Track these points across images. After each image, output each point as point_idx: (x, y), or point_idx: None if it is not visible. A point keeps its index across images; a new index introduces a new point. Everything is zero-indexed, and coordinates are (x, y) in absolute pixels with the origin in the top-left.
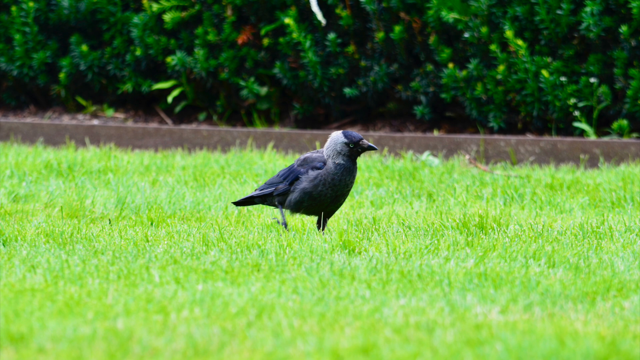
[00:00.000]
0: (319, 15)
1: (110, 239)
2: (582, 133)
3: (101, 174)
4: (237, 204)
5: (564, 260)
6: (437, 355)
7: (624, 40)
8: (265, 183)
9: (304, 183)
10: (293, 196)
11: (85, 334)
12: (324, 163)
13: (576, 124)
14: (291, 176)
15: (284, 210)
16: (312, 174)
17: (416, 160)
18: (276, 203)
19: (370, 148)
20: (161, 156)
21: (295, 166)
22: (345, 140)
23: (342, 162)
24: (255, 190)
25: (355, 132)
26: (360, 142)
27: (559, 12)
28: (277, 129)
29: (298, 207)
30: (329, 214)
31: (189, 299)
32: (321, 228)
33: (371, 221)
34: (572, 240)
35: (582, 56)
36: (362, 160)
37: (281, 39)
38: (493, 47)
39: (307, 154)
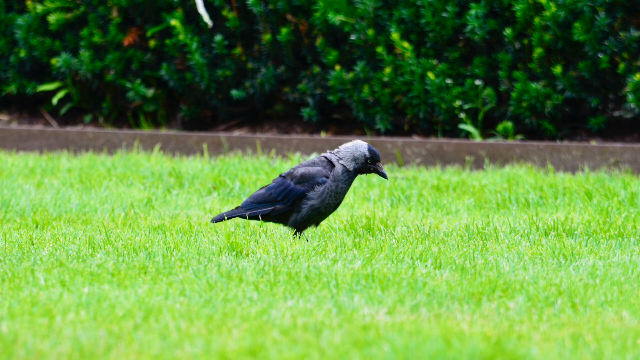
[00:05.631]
0: (206, 17)
1: None
2: (467, 135)
3: None
4: (217, 220)
5: (450, 261)
6: (324, 356)
7: (508, 43)
8: (251, 198)
9: (312, 201)
10: (300, 215)
11: None
12: (327, 177)
13: (462, 126)
14: (291, 195)
15: (288, 228)
16: (319, 189)
17: None
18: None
19: (382, 175)
20: (46, 158)
21: (292, 184)
22: (368, 154)
23: (350, 169)
24: (237, 208)
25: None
26: (378, 163)
27: (444, 14)
28: (164, 131)
29: (306, 225)
30: (317, 222)
31: (74, 302)
32: (298, 234)
33: (259, 223)
34: (458, 242)
35: (467, 59)
36: (249, 162)
37: (167, 41)
38: (379, 49)
39: (301, 169)
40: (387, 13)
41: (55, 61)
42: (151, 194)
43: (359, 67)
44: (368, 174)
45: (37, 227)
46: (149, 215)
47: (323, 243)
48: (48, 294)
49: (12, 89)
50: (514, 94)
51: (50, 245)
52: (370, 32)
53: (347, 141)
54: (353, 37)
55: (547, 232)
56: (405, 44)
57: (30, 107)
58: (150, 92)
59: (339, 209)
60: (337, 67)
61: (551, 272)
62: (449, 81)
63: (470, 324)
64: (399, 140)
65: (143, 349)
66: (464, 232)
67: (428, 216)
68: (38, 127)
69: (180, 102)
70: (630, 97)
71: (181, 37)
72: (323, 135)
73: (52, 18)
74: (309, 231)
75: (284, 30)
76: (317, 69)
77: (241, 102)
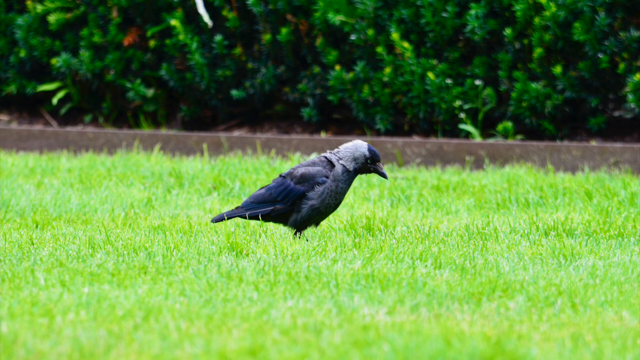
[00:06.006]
0: (206, 17)
1: None
2: (467, 135)
3: None
4: (217, 220)
5: (450, 261)
6: (324, 356)
7: (508, 43)
8: (251, 198)
9: (312, 201)
10: (300, 215)
11: None
12: (327, 177)
13: (462, 126)
14: (291, 195)
15: (288, 228)
16: (319, 189)
17: None
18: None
19: (382, 175)
20: (46, 158)
21: (292, 184)
22: (368, 154)
23: (351, 169)
24: (237, 208)
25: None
26: (378, 163)
27: (444, 14)
28: (164, 131)
29: (306, 225)
30: (317, 222)
31: (74, 302)
32: (298, 234)
33: (259, 223)
34: (458, 242)
35: (467, 59)
36: (249, 162)
37: (167, 41)
38: (379, 49)
39: (301, 169)
40: (387, 13)
41: (55, 61)
42: (151, 194)
43: (359, 67)
44: (368, 174)
45: (37, 227)
46: (149, 215)
47: (323, 243)
48: (48, 294)
49: (12, 89)
50: (514, 94)
51: (50, 245)
52: (370, 32)
53: (347, 141)
54: (353, 37)
55: (547, 232)
56: (405, 44)
57: (30, 107)
58: (150, 92)
59: (339, 209)
60: (337, 67)
61: (551, 272)
62: (449, 81)
63: (470, 324)
64: (399, 140)
65: (143, 349)
66: (464, 232)
67: (428, 216)
68: (38, 127)
69: (180, 102)
70: (630, 97)
71: (181, 37)
72: (323, 135)
73: (52, 18)
74: (309, 231)
75: (284, 30)
76: (317, 69)
77: (241, 102)
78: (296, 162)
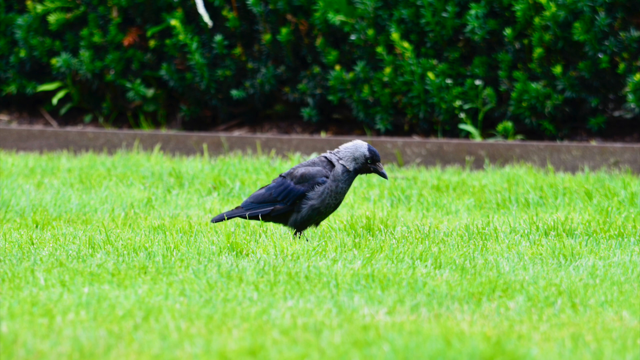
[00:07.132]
0: (206, 17)
1: None
2: (467, 135)
3: None
4: (216, 220)
5: (450, 261)
6: (324, 356)
7: (508, 43)
8: (251, 198)
9: (312, 201)
10: (300, 215)
11: None
12: (327, 177)
13: (462, 126)
14: (291, 195)
15: (288, 228)
16: (319, 189)
17: None
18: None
19: (382, 175)
20: (46, 158)
21: (292, 184)
22: (368, 154)
23: (351, 169)
24: (237, 208)
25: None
26: (378, 163)
27: (444, 14)
28: (164, 131)
29: (306, 225)
30: (317, 222)
31: (74, 302)
32: (298, 234)
33: (259, 223)
34: (458, 242)
35: (467, 59)
36: (249, 162)
37: (167, 41)
38: (379, 49)
39: (301, 169)
40: (387, 13)
41: (55, 61)
42: (151, 194)
43: (359, 67)
44: (368, 174)
45: (37, 227)
46: (149, 215)
47: (323, 243)
48: (48, 294)
49: (12, 89)
50: (514, 94)
51: (50, 245)
52: (370, 32)
53: (347, 141)
54: (353, 37)
55: (547, 232)
56: (405, 44)
57: (30, 107)
58: (150, 92)
59: (339, 209)
60: (337, 67)
61: (551, 272)
62: (449, 81)
63: (470, 324)
64: (399, 140)
65: (143, 349)
66: (464, 232)
67: (428, 216)
68: (38, 127)
69: (180, 102)
70: (630, 97)
71: (181, 37)
72: (323, 135)
73: (52, 18)
74: (309, 231)
75: (284, 30)
76: (317, 69)
77: (241, 102)
78: (296, 162)
